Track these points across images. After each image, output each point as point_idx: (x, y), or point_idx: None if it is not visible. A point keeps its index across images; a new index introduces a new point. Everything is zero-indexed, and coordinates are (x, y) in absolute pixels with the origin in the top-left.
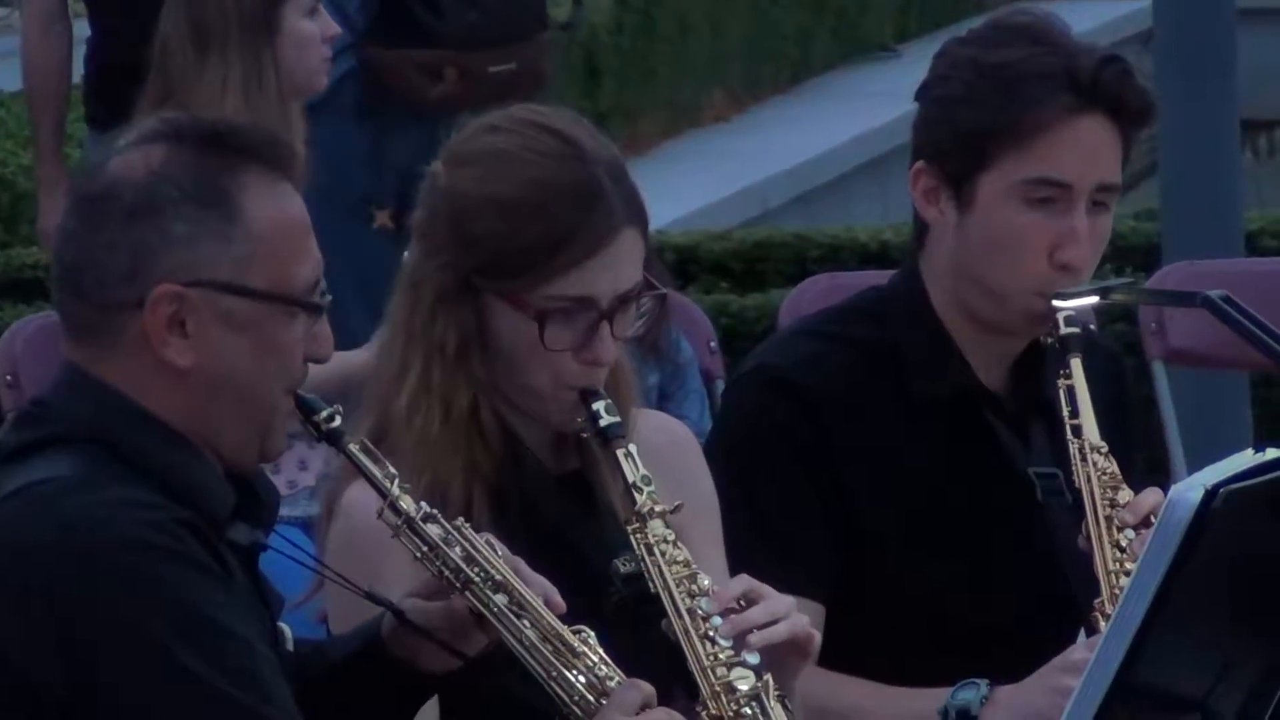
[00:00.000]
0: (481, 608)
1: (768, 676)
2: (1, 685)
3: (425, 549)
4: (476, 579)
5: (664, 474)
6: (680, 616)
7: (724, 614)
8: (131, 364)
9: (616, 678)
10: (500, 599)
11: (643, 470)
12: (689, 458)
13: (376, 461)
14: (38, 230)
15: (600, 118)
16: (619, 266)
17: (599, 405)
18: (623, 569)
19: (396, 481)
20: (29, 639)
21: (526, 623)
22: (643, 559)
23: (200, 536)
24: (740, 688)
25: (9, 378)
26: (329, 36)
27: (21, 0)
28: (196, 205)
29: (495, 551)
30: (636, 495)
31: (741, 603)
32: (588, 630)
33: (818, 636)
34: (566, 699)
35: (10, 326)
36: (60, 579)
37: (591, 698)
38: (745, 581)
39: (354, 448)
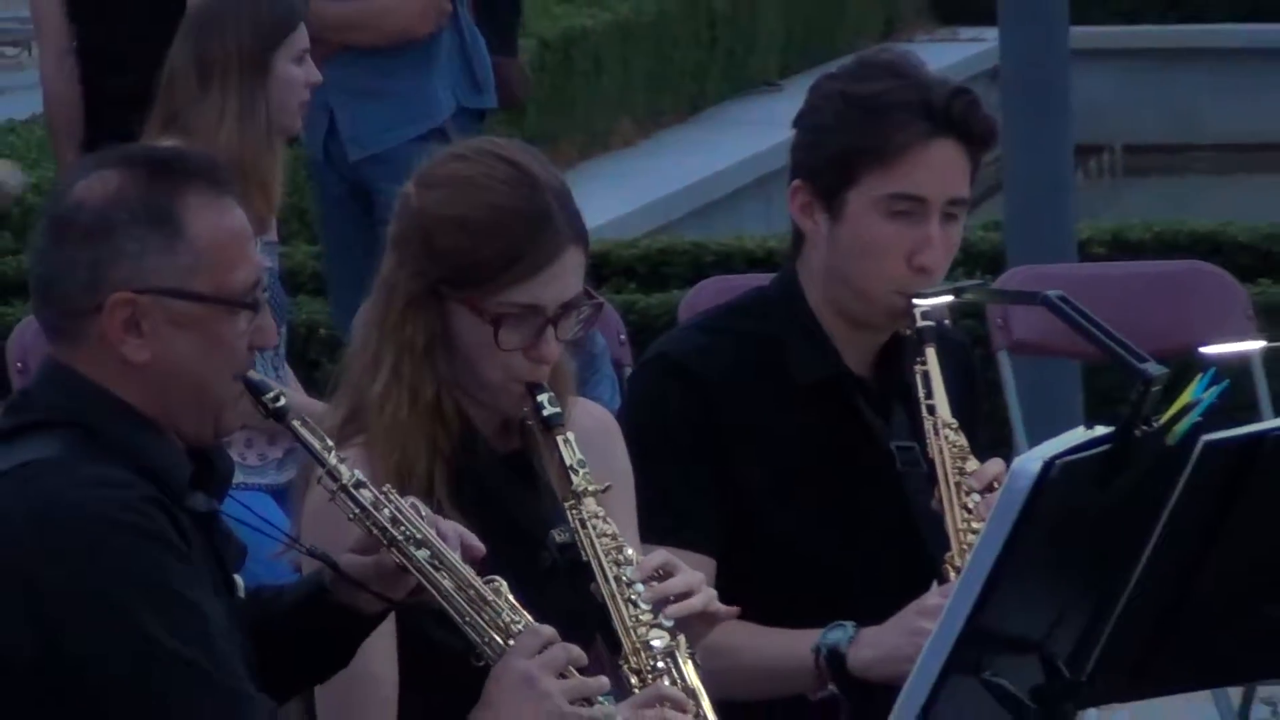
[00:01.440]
0: (405, 561)
1: (680, 636)
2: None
3: (357, 511)
4: (400, 537)
5: (593, 455)
6: (607, 582)
7: (644, 582)
8: (98, 359)
9: (523, 622)
10: (422, 554)
11: (579, 455)
12: (613, 441)
13: (315, 435)
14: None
15: (525, 138)
16: (563, 279)
17: (543, 397)
18: (559, 539)
19: (333, 453)
20: (8, 611)
21: (444, 574)
22: (576, 531)
23: (166, 511)
24: (656, 645)
25: (19, 365)
26: (311, 83)
27: (34, 39)
28: (145, 225)
29: (419, 513)
30: (573, 476)
31: (660, 573)
32: (500, 580)
33: (724, 608)
34: (479, 640)
35: (21, 321)
36: (34, 554)
37: (500, 639)
38: (663, 555)
39: (295, 422)
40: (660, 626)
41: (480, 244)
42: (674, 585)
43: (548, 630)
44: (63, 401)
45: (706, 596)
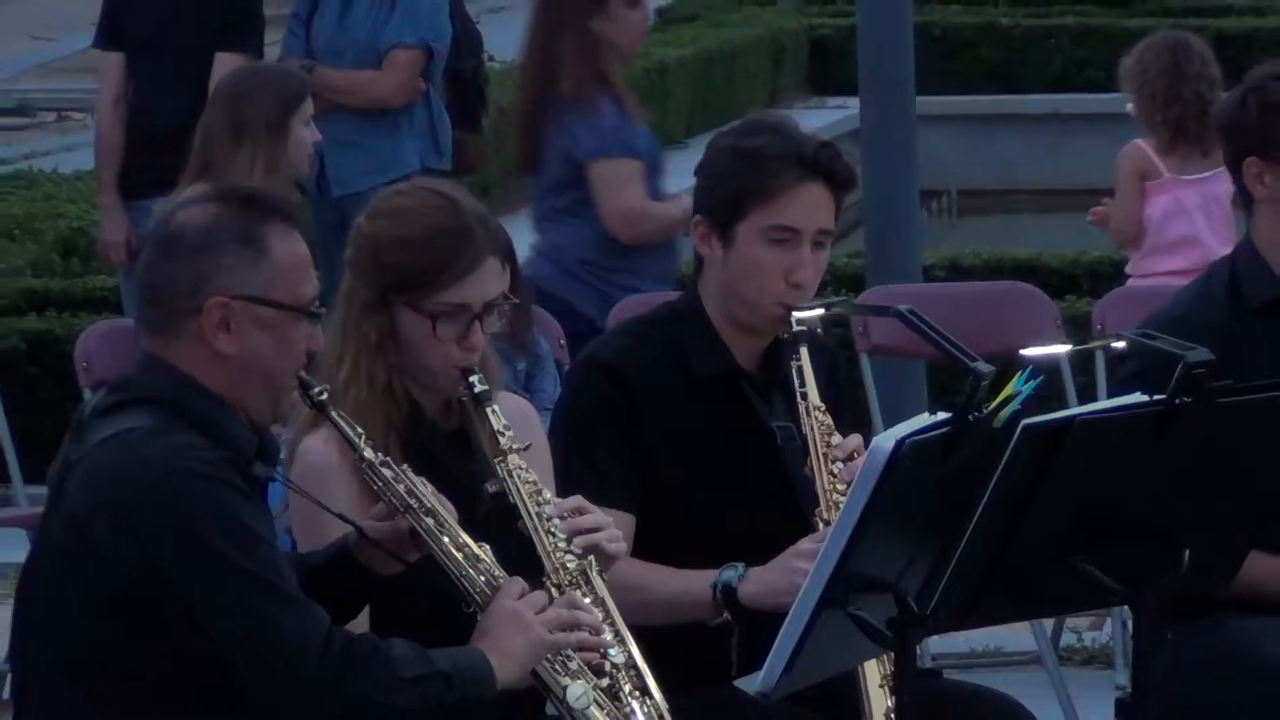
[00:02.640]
0: (417, 526)
1: (590, 558)
2: (89, 579)
3: (380, 484)
4: (414, 506)
5: (514, 429)
6: (531, 518)
7: (560, 518)
8: (189, 351)
9: (504, 576)
10: (429, 521)
11: (504, 421)
12: (530, 420)
13: (348, 424)
14: (100, 242)
15: (484, 188)
16: (485, 283)
17: (474, 379)
18: (491, 489)
19: (364, 438)
20: (115, 539)
21: (446, 539)
22: (505, 480)
23: (236, 469)
24: (570, 566)
25: (84, 364)
26: (315, 141)
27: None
28: (238, 244)
29: (426, 489)
30: (500, 438)
31: (575, 512)
32: (486, 545)
33: (624, 543)
34: (470, 590)
35: (86, 329)
36: (141, 497)
37: (488, 591)
38: (577, 499)
39: (335, 414)
40: (573, 552)
41: (418, 257)
42: (585, 521)
43: (524, 584)
44: (156, 384)
45: (610, 533)
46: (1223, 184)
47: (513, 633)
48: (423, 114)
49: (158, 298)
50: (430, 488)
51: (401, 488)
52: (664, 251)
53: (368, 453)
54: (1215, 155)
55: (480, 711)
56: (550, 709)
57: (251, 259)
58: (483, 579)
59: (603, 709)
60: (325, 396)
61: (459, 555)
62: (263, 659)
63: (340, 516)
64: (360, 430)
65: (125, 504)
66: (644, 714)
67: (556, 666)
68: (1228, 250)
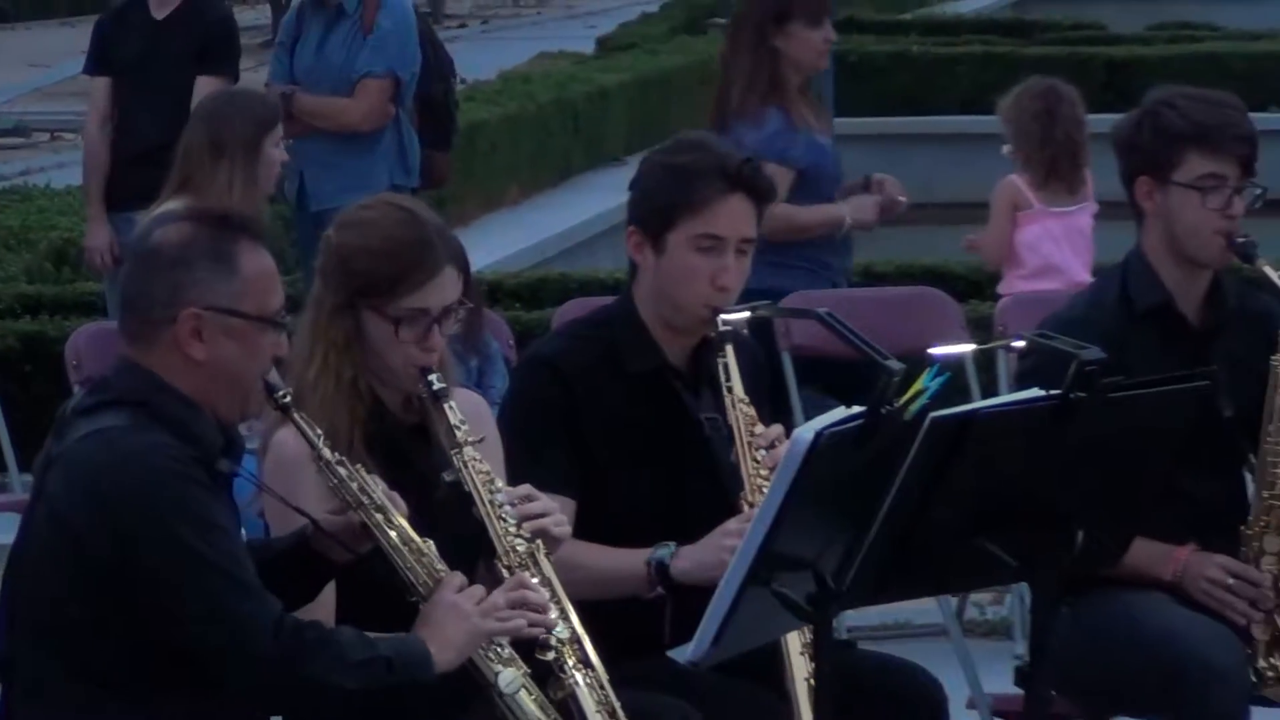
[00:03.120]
0: (367, 520)
1: (539, 541)
2: (69, 565)
3: (335, 481)
4: (365, 502)
5: (470, 426)
6: (484, 504)
7: (511, 504)
8: (164, 357)
9: (444, 570)
10: (378, 516)
11: (460, 416)
12: (485, 418)
13: (310, 426)
14: (85, 248)
15: (440, 201)
16: (443, 290)
17: (433, 377)
18: (448, 478)
19: (321, 438)
20: (91, 527)
21: (393, 533)
22: (460, 470)
23: (203, 466)
24: (520, 548)
25: (74, 362)
26: (283, 160)
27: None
28: (210, 260)
29: (378, 486)
30: (457, 431)
31: (524, 499)
32: (430, 540)
33: (569, 527)
34: (414, 582)
35: (76, 330)
36: (115, 491)
37: (430, 583)
38: (527, 487)
39: (297, 415)
40: (522, 536)
41: (381, 265)
42: (533, 508)
43: (463, 577)
44: (132, 386)
45: (556, 518)
46: (1086, 217)
47: (451, 622)
48: (392, 136)
49: (136, 307)
50: (382, 485)
51: (355, 485)
52: (835, 246)
53: (325, 452)
54: (1081, 192)
55: (425, 693)
56: None
57: (222, 274)
58: (425, 572)
59: (531, 694)
60: (289, 400)
61: (404, 549)
62: (220, 641)
63: (298, 510)
64: (319, 431)
65: (101, 498)
66: (586, 684)
67: (490, 654)
68: (1087, 276)
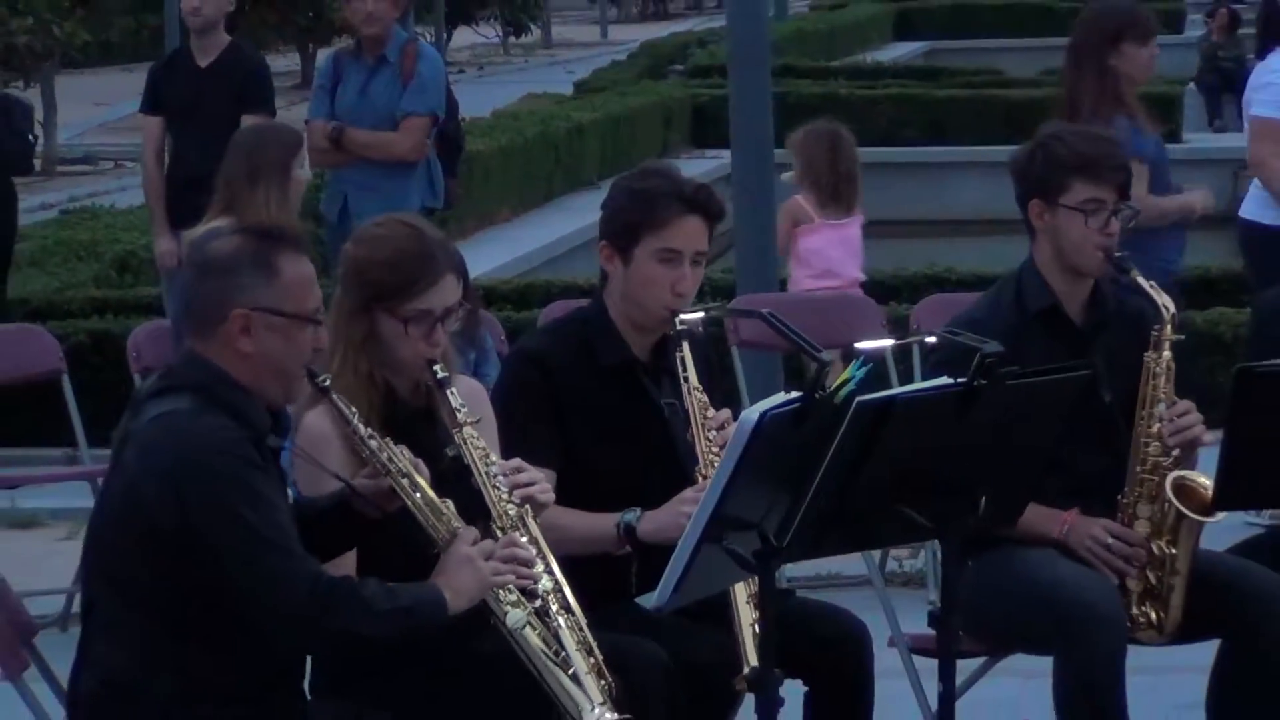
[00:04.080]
0: (395, 484)
1: (527, 506)
2: (140, 527)
3: (367, 452)
4: (393, 469)
5: (469, 408)
6: (481, 475)
7: (504, 475)
8: (219, 350)
9: (461, 526)
10: (404, 481)
11: (460, 400)
12: (482, 401)
13: (345, 405)
14: (157, 254)
15: (444, 220)
16: (445, 294)
17: (437, 367)
18: (450, 453)
19: (356, 415)
20: (158, 496)
21: (417, 494)
22: (461, 446)
23: (256, 445)
24: (511, 512)
25: (134, 354)
26: (306, 180)
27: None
28: (255, 268)
29: (404, 455)
30: (458, 414)
31: (514, 470)
32: (450, 500)
33: (553, 494)
34: (435, 536)
35: (136, 328)
36: (181, 467)
37: (449, 537)
38: (516, 461)
39: (335, 396)
40: (512, 502)
41: (391, 274)
42: (522, 478)
43: (475, 532)
44: (194, 375)
45: (541, 487)
46: (856, 229)
47: (465, 572)
48: (423, 165)
49: (193, 309)
50: (408, 454)
51: (384, 455)
52: (1168, 236)
53: (359, 427)
54: (854, 211)
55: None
56: None
57: (265, 279)
58: (444, 527)
59: (535, 630)
60: (328, 383)
61: (426, 509)
62: (265, 597)
63: (336, 476)
64: (354, 410)
65: (167, 472)
66: (567, 627)
67: (500, 596)
68: (859, 275)
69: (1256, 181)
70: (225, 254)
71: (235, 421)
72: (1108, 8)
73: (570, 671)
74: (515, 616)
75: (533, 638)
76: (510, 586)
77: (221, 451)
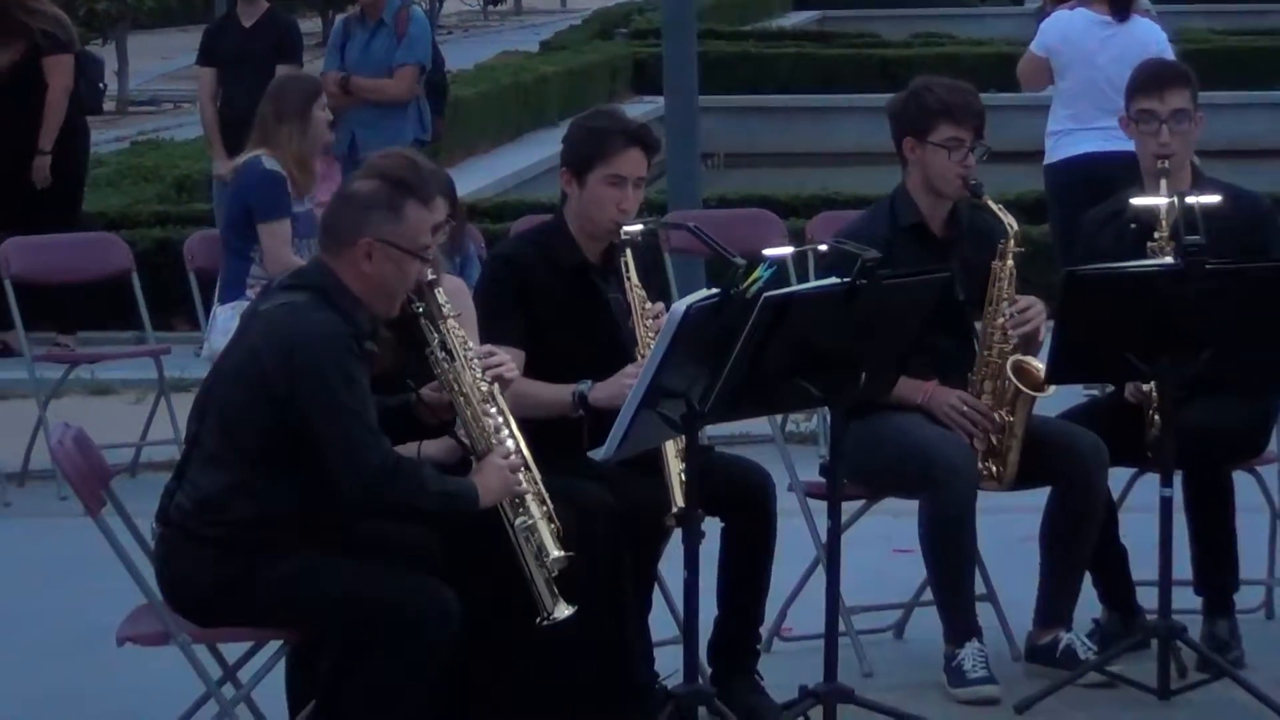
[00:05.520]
0: (454, 401)
1: (496, 384)
2: (256, 384)
3: (439, 370)
4: (455, 388)
5: (453, 300)
6: (459, 358)
7: (479, 358)
8: (344, 267)
9: (498, 441)
10: (460, 399)
11: (445, 297)
12: (464, 296)
13: (430, 327)
14: (215, 175)
15: (435, 151)
16: (435, 212)
17: (428, 270)
18: (436, 338)
19: (436, 338)
20: (275, 365)
21: (468, 410)
22: (446, 335)
23: (357, 340)
24: (483, 388)
25: (189, 257)
26: (328, 120)
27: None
28: (386, 209)
29: (464, 378)
30: (444, 308)
31: (487, 353)
32: (501, 418)
33: (517, 372)
34: (476, 446)
35: (190, 236)
36: (298, 344)
37: (486, 447)
38: (488, 346)
39: (424, 321)
40: (485, 380)
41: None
42: (493, 361)
43: (509, 447)
44: (318, 279)
45: (508, 367)
46: None
47: (495, 477)
48: (414, 106)
49: (331, 229)
50: (467, 378)
51: (450, 376)
52: None
53: (436, 350)
54: None
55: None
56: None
57: (392, 218)
58: (484, 440)
59: (550, 525)
60: (420, 309)
61: (474, 423)
62: (344, 460)
63: (408, 385)
64: (435, 333)
65: (286, 345)
66: (526, 482)
67: (515, 503)
68: None
69: (1051, 132)
70: (365, 192)
71: (343, 319)
72: None
73: (550, 558)
74: (522, 521)
75: (546, 531)
76: (523, 497)
77: (329, 337)
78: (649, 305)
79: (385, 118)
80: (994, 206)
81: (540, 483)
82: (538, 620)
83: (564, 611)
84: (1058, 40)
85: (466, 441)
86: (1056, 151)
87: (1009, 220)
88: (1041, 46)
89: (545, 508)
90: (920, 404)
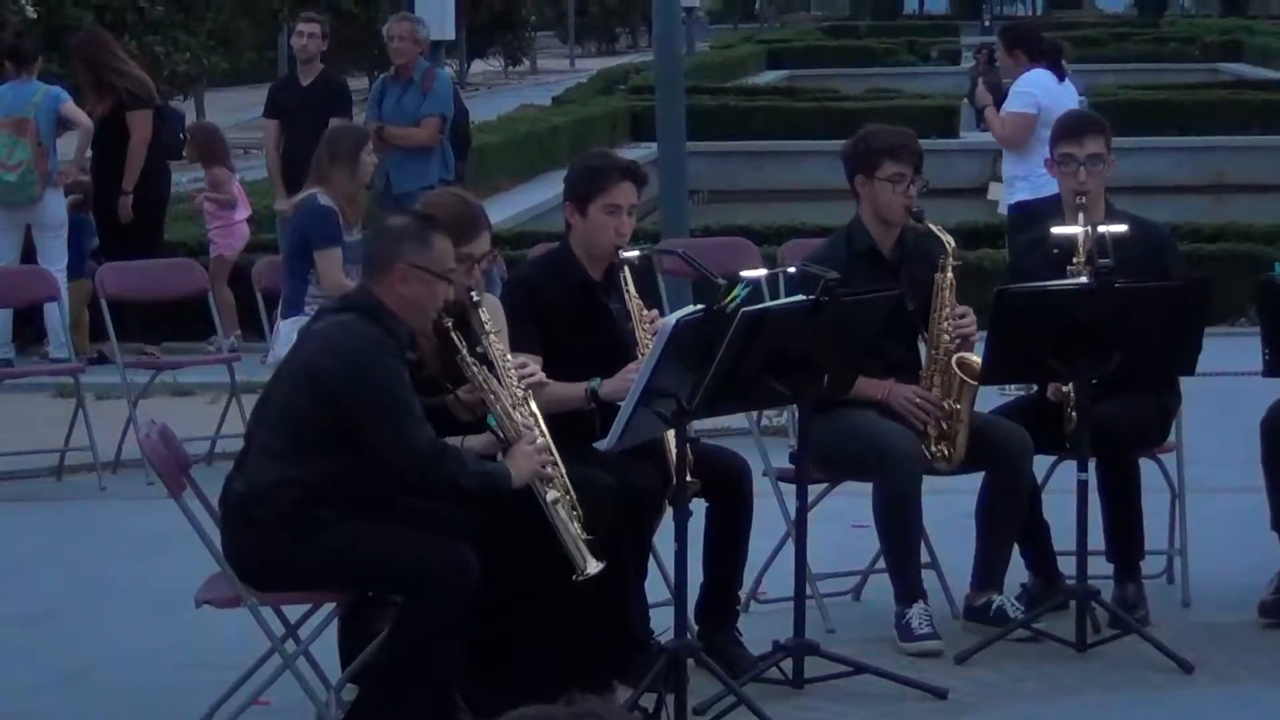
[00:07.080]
0: (485, 400)
1: (530, 390)
2: (311, 387)
3: (471, 372)
4: (486, 389)
5: (493, 317)
6: (499, 367)
7: (515, 369)
8: (384, 290)
9: (527, 429)
10: (492, 397)
11: (488, 315)
12: (500, 314)
13: (459, 339)
14: (277, 210)
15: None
16: (483, 243)
17: (473, 293)
18: (479, 350)
19: (465, 347)
20: (331, 370)
21: (499, 406)
22: (488, 349)
23: (399, 350)
24: (519, 393)
25: (256, 279)
26: (374, 164)
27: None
28: (416, 239)
29: (493, 381)
30: (485, 324)
31: (522, 365)
32: (530, 412)
33: (544, 376)
34: (509, 433)
35: (258, 261)
36: (352, 351)
37: (516, 436)
38: (523, 358)
39: (454, 334)
40: (519, 386)
41: (450, 230)
42: (526, 370)
43: (536, 433)
44: (363, 301)
45: (539, 377)
46: None
47: (524, 461)
48: (439, 151)
49: (372, 257)
50: (494, 380)
51: (481, 378)
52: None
53: (467, 355)
54: None
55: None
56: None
57: (423, 247)
58: (513, 430)
59: (567, 501)
60: (450, 324)
61: (505, 418)
62: (398, 443)
63: (448, 388)
64: (464, 344)
65: (338, 352)
66: (554, 471)
67: (542, 481)
68: None
69: (1008, 177)
70: (399, 226)
71: (386, 332)
72: None
73: (576, 528)
74: (552, 494)
75: (563, 512)
76: (551, 478)
77: (378, 345)
78: (646, 313)
79: (413, 160)
80: (934, 228)
81: (560, 464)
82: (573, 576)
83: (595, 567)
84: (1047, 100)
85: (500, 434)
86: (1041, 190)
87: (947, 239)
88: (1033, 106)
89: (569, 496)
90: (880, 399)
